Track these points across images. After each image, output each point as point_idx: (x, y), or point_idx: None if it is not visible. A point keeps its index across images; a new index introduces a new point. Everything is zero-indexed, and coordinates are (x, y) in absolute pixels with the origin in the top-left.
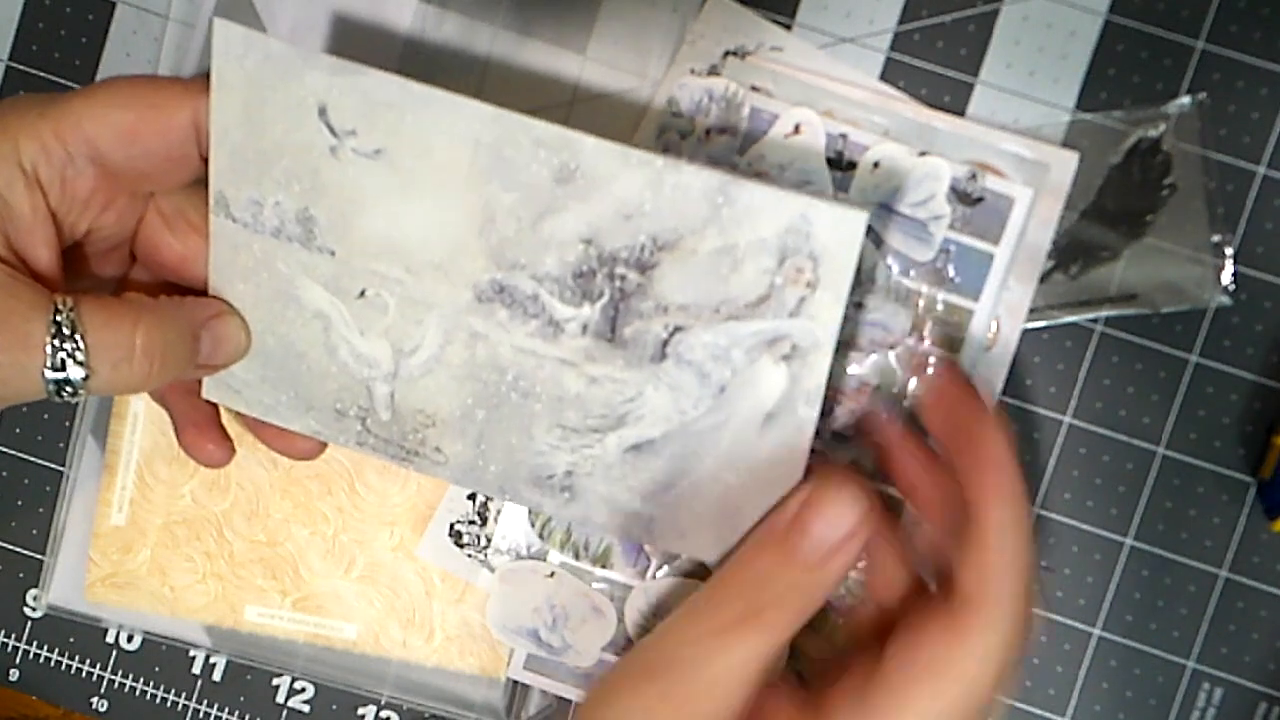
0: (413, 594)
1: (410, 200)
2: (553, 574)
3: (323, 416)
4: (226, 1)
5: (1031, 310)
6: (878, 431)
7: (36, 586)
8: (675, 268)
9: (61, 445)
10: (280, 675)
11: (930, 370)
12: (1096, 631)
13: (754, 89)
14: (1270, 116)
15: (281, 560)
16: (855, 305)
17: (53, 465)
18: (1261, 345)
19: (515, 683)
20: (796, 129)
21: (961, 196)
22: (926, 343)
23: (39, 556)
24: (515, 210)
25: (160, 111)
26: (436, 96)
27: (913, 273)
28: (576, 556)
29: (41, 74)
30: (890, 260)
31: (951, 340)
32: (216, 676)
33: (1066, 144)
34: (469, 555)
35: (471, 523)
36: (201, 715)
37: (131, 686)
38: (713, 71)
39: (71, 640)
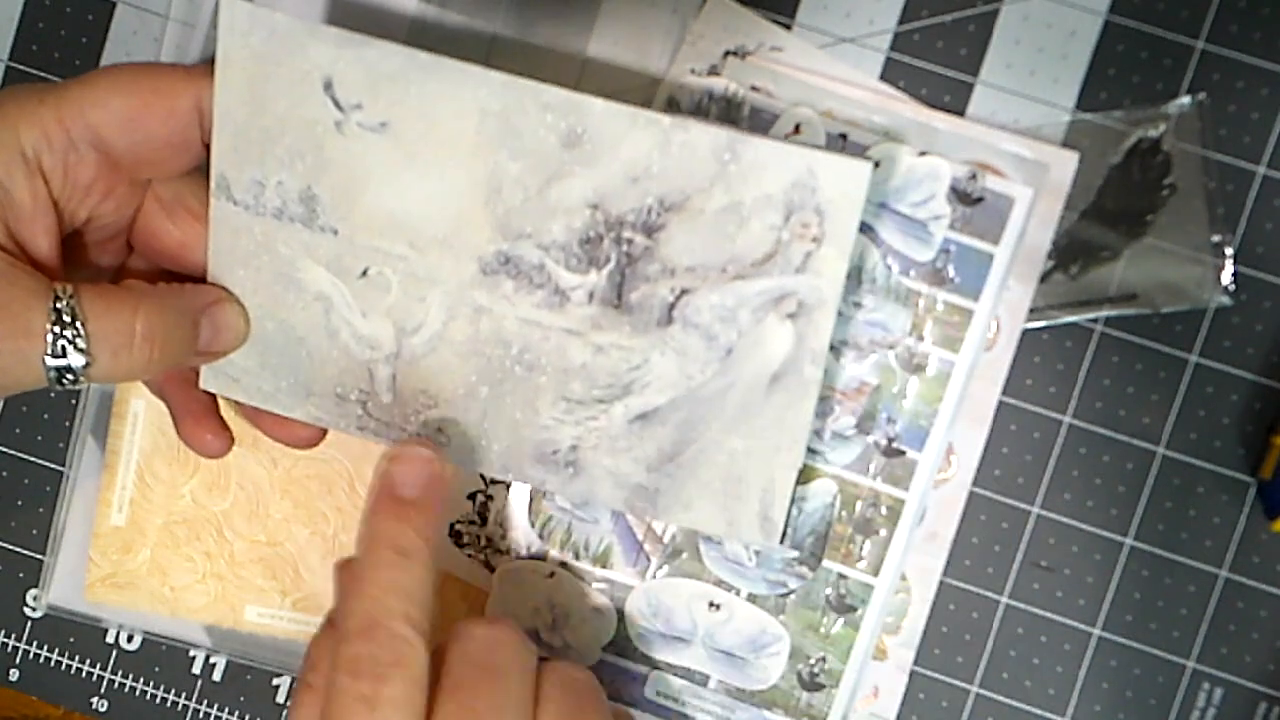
0: None
1: (416, 173)
2: (553, 574)
3: (323, 402)
4: None
5: (1031, 310)
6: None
7: (36, 586)
8: (682, 229)
9: (61, 445)
10: (280, 675)
11: None
12: (1096, 631)
13: (754, 89)
14: (1270, 116)
15: (281, 560)
16: (855, 305)
17: (53, 465)
18: (1261, 345)
19: None
20: (796, 129)
21: (961, 196)
22: (926, 342)
23: (39, 556)
24: (522, 178)
25: (163, 97)
26: (443, 65)
27: (913, 273)
28: (576, 556)
29: (41, 74)
30: (890, 260)
31: (951, 340)
32: (216, 676)
33: (1066, 144)
34: (469, 555)
35: (471, 523)
36: (201, 715)
37: (131, 686)
38: (713, 71)
39: (71, 640)
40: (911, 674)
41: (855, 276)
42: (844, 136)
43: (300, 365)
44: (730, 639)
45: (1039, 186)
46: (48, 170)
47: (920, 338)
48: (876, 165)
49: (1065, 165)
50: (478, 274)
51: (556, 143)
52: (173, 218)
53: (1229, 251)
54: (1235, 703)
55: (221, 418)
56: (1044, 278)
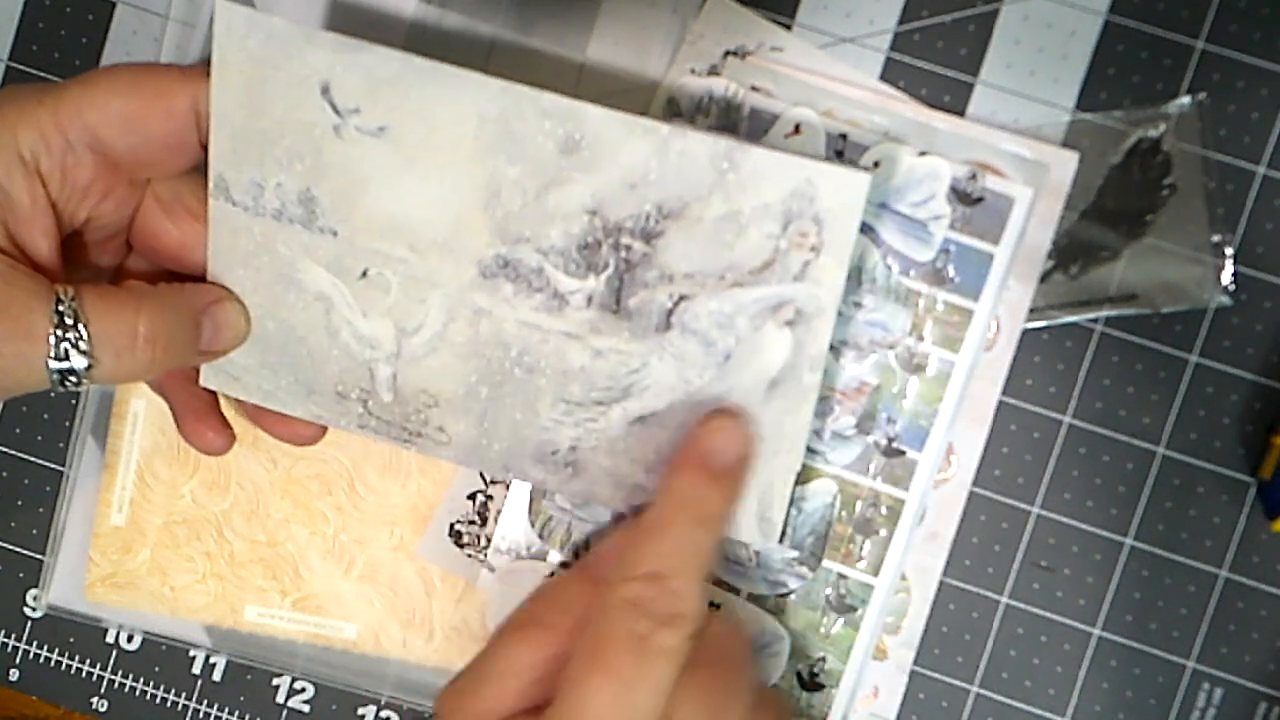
0: (413, 594)
1: (414, 177)
2: (553, 574)
3: (324, 400)
4: None
5: (1031, 310)
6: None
7: (36, 586)
8: (680, 236)
9: (61, 445)
10: (280, 675)
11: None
12: (1096, 631)
13: (754, 89)
14: (1270, 116)
15: (281, 560)
16: (855, 305)
17: (53, 465)
18: (1261, 345)
19: None
20: (796, 129)
21: (961, 196)
22: (926, 342)
23: (39, 556)
24: (520, 183)
25: (160, 98)
26: (441, 71)
27: (913, 273)
28: (576, 556)
29: (41, 74)
30: (890, 260)
31: (951, 340)
32: (216, 676)
33: (1066, 144)
34: (469, 555)
35: (471, 523)
36: (201, 715)
37: (131, 686)
38: (713, 71)
39: (71, 640)
40: (911, 674)
41: (855, 276)
42: (844, 136)
43: (301, 364)
44: None
45: (1039, 186)
46: (46, 172)
47: (920, 338)
48: (876, 165)
49: (1065, 165)
50: (477, 277)
51: (555, 149)
52: (172, 217)
53: (1229, 251)
54: (1235, 703)
55: (223, 415)
56: (1044, 278)
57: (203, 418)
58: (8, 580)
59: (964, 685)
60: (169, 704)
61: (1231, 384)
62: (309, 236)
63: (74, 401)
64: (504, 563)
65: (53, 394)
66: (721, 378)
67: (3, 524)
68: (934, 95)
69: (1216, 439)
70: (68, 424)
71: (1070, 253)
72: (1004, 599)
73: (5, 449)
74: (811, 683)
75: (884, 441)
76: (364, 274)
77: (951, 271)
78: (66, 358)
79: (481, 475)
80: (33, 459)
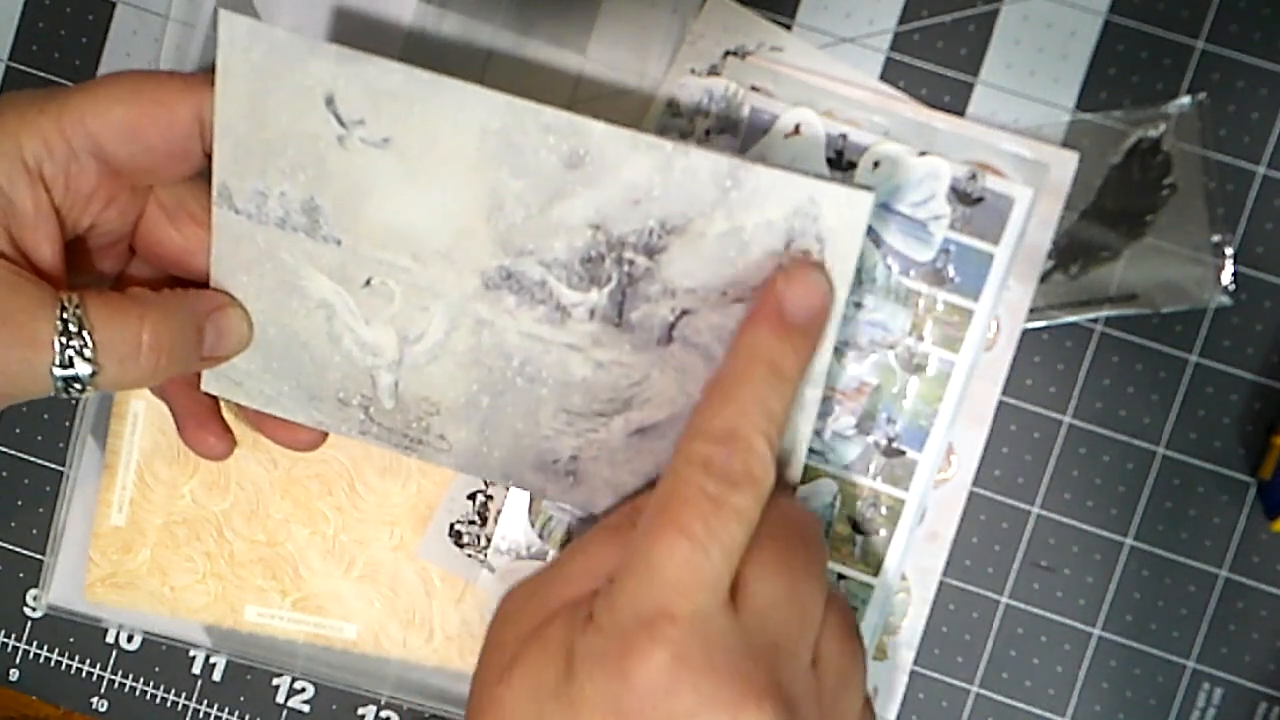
0: (413, 594)
1: (418, 188)
2: None
3: (325, 407)
4: (227, 1)
5: (1031, 310)
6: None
7: (36, 586)
8: (683, 251)
9: (61, 445)
10: (280, 675)
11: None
12: (1096, 631)
13: (754, 89)
14: (1270, 116)
15: (281, 560)
16: (855, 305)
17: (53, 465)
18: (1261, 345)
19: None
20: (796, 129)
21: (961, 196)
22: (926, 342)
23: (39, 556)
24: (524, 196)
25: (163, 107)
26: (445, 84)
27: (913, 273)
28: None
29: (41, 74)
30: (890, 260)
31: (951, 340)
32: (216, 676)
33: (1066, 144)
34: (469, 555)
35: (471, 523)
36: (201, 715)
37: (131, 686)
38: (713, 71)
39: (71, 640)
40: (911, 674)
41: (855, 277)
42: (844, 136)
43: (303, 370)
44: None
45: (1039, 186)
46: (49, 179)
47: (920, 338)
48: (876, 165)
49: (1065, 165)
50: (480, 287)
51: (558, 163)
52: (175, 223)
53: (1229, 251)
54: (1235, 703)
55: (224, 420)
56: (1044, 278)
57: (204, 423)
58: (8, 580)
59: (964, 685)
60: (169, 704)
61: (1231, 384)
62: (312, 245)
63: (74, 402)
64: (504, 563)
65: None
66: None
67: (3, 524)
68: (934, 95)
69: (1216, 439)
70: (68, 424)
71: (1070, 253)
72: (1004, 599)
73: (5, 449)
74: None
75: (884, 441)
76: (367, 282)
77: (951, 271)
78: (71, 365)
79: None
80: (33, 459)
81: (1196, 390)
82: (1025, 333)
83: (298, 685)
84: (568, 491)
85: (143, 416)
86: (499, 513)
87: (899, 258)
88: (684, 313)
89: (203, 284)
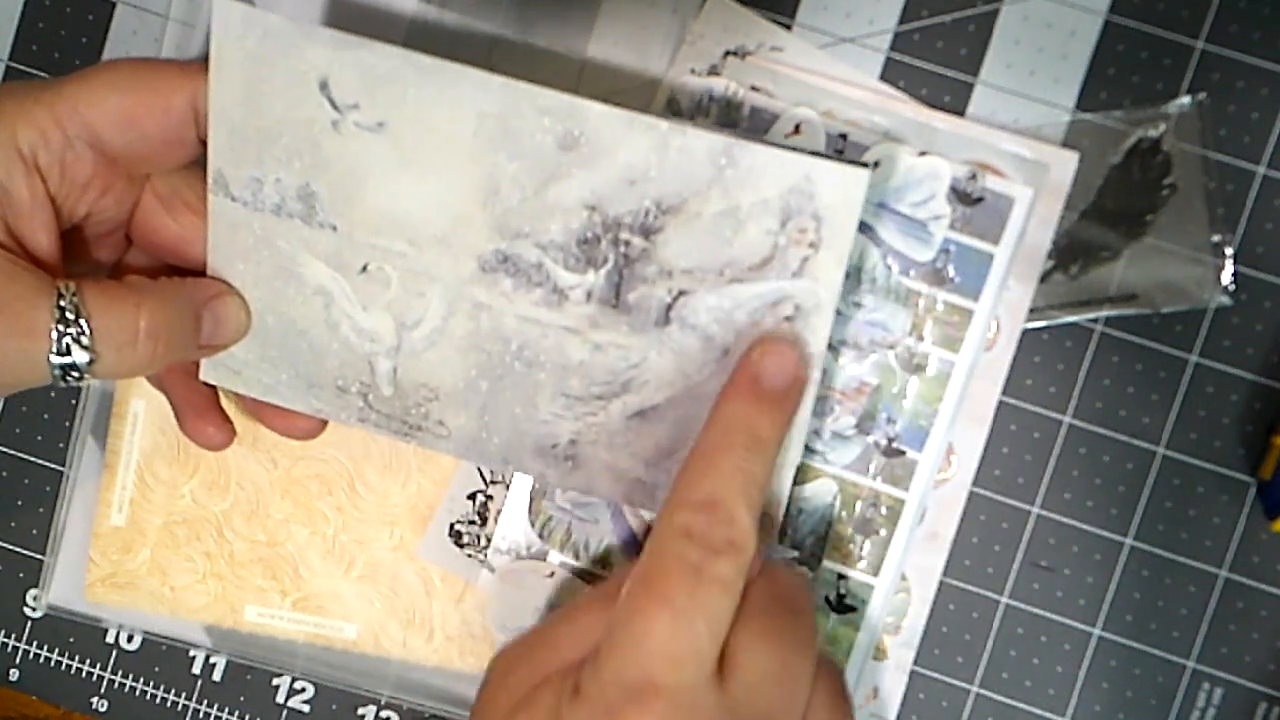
0: (413, 594)
1: (413, 173)
2: (553, 574)
3: (324, 394)
4: None
5: (1031, 310)
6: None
7: (36, 586)
8: (679, 231)
9: (61, 445)
10: (280, 675)
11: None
12: (1096, 631)
13: (754, 89)
14: (1270, 116)
15: (281, 560)
16: (855, 305)
17: (53, 465)
18: (1261, 345)
19: None
20: (796, 129)
21: (961, 196)
22: (926, 342)
23: (39, 556)
24: (519, 179)
25: (158, 95)
26: (439, 67)
27: (913, 273)
28: (576, 557)
29: (41, 74)
30: (890, 260)
31: (951, 340)
32: (216, 676)
33: (1066, 144)
34: (469, 555)
35: (471, 523)
36: (201, 715)
37: (131, 686)
38: (713, 71)
39: (71, 640)
40: (911, 674)
41: (855, 276)
42: (844, 136)
43: (301, 357)
44: None
45: (1039, 186)
46: (45, 168)
47: (920, 338)
48: (876, 165)
49: (1065, 165)
50: (477, 271)
51: (554, 145)
52: (171, 212)
53: (1229, 251)
54: (1235, 703)
55: (223, 410)
56: (1044, 278)
57: (203, 413)
58: (8, 580)
59: (964, 685)
60: (169, 704)
61: (1231, 384)
62: (309, 231)
63: (74, 401)
64: (504, 563)
65: (52, 391)
66: (720, 372)
67: (3, 524)
68: (934, 95)
69: (1216, 439)
70: (68, 424)
71: (1070, 253)
72: (1004, 599)
73: (5, 449)
74: None
75: (884, 441)
76: (364, 268)
77: (951, 271)
78: (68, 353)
79: (482, 475)
80: (33, 459)
81: (1196, 390)
82: (1025, 333)
83: (298, 685)
84: (567, 476)
85: (143, 416)
86: (499, 513)
87: (899, 258)
88: (681, 293)
89: (199, 272)
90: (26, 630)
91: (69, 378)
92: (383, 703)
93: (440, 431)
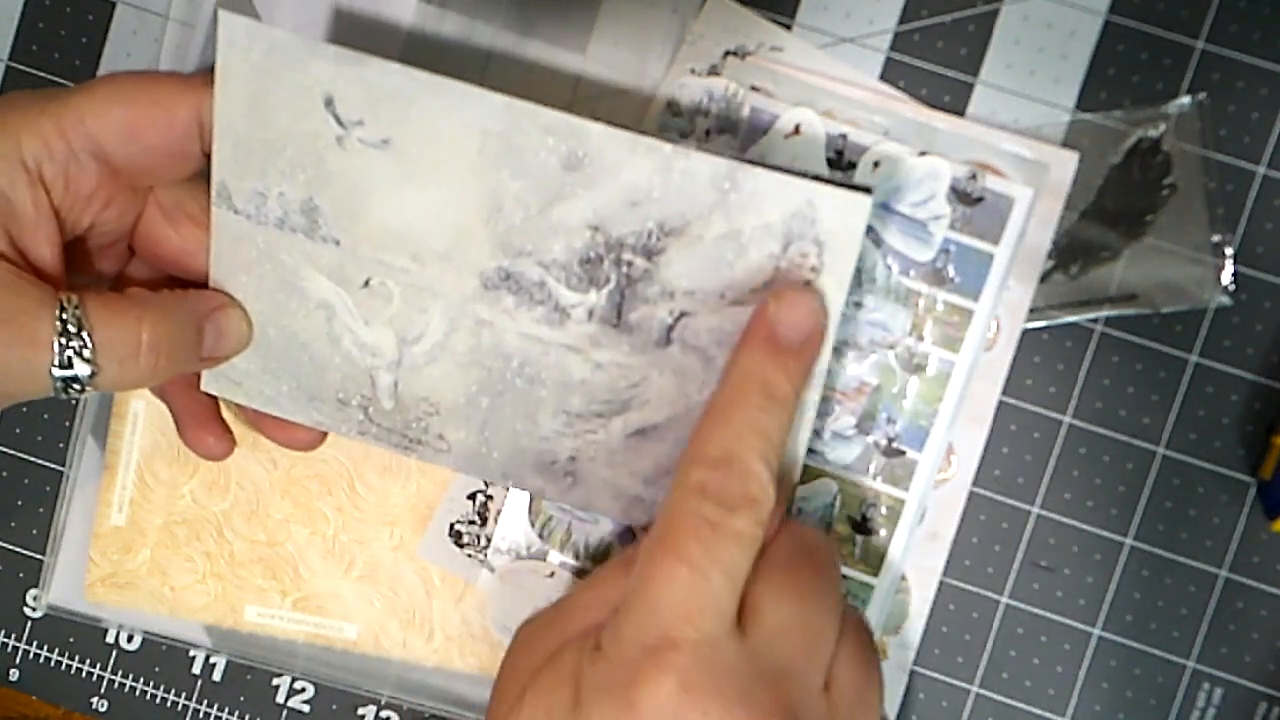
0: (413, 594)
1: (417, 189)
2: (553, 574)
3: (325, 407)
4: (227, 2)
5: (1031, 310)
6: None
7: (36, 586)
8: (681, 253)
9: (61, 445)
10: (280, 675)
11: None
12: (1096, 631)
13: (754, 89)
14: (1270, 116)
15: (281, 560)
16: (855, 305)
17: (53, 465)
18: (1261, 345)
19: None
20: (796, 129)
21: (961, 196)
22: (926, 342)
23: (39, 556)
24: (523, 198)
25: (162, 108)
26: (444, 85)
27: (913, 273)
28: (576, 557)
29: (41, 74)
30: (890, 260)
31: (951, 340)
32: (216, 676)
33: (1066, 144)
34: (469, 555)
35: (471, 523)
36: (201, 715)
37: (131, 686)
38: (713, 71)
39: (71, 640)
40: (911, 674)
41: (855, 277)
42: (844, 136)
43: (302, 370)
44: None
45: (1039, 186)
46: (49, 180)
47: (920, 338)
48: (877, 165)
49: (1065, 165)
50: (479, 288)
51: (557, 165)
52: (174, 224)
53: (1229, 251)
54: (1235, 703)
55: (223, 421)
56: (1044, 278)
57: (204, 423)
58: (8, 580)
59: (964, 685)
60: (169, 704)
61: (1231, 384)
62: (311, 245)
63: (74, 402)
64: (504, 563)
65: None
66: None
67: (3, 524)
68: (934, 95)
69: (1216, 439)
70: (68, 424)
71: (1070, 253)
72: (1004, 599)
73: (5, 449)
74: None
75: (884, 441)
76: (366, 283)
77: (951, 271)
78: (70, 365)
79: None
80: (33, 459)
81: (1196, 390)
82: (1025, 333)
83: (298, 685)
84: (567, 492)
85: (143, 416)
86: (499, 513)
87: (899, 258)
88: (682, 315)
89: (202, 284)
90: (26, 630)
91: (70, 390)
92: (383, 703)
93: (440, 446)
